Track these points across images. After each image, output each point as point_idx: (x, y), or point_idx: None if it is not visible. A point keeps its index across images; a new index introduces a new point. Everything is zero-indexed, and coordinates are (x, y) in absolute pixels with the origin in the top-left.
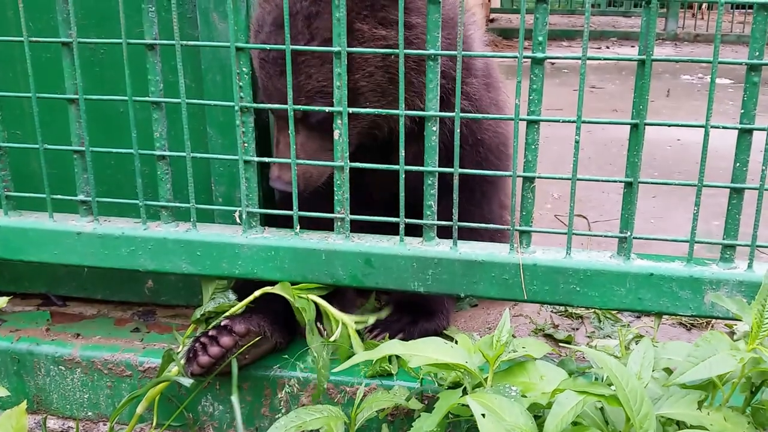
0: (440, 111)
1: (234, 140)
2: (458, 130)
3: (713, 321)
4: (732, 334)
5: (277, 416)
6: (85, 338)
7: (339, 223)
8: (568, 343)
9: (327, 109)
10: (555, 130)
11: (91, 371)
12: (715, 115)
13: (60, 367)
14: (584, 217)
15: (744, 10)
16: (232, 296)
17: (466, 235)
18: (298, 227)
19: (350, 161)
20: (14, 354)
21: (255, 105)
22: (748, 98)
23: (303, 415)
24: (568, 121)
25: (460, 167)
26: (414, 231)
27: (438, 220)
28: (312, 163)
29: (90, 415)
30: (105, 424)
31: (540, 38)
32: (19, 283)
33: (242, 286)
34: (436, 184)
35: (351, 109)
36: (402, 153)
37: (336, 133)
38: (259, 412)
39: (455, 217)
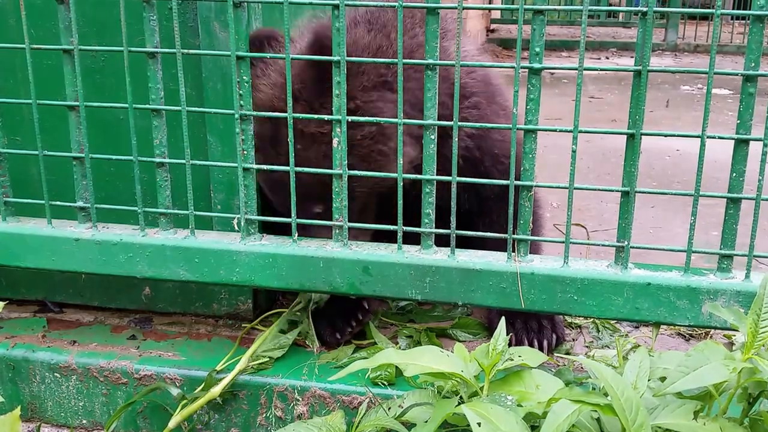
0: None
1: (233, 148)
2: (456, 139)
3: (712, 331)
4: (731, 344)
5: (270, 429)
6: (82, 345)
7: (337, 231)
8: (566, 352)
9: (326, 117)
10: (554, 139)
11: (86, 378)
12: (713, 125)
13: (55, 374)
14: (583, 227)
15: (744, 21)
16: None
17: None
18: (296, 235)
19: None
20: (9, 361)
21: (255, 113)
22: (744, 109)
23: (301, 430)
24: (565, 131)
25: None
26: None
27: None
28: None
29: (85, 423)
30: None
31: (537, 49)
32: (16, 290)
33: None
34: (434, 192)
35: (350, 118)
36: (400, 161)
37: (335, 141)
38: (255, 420)
39: (453, 225)
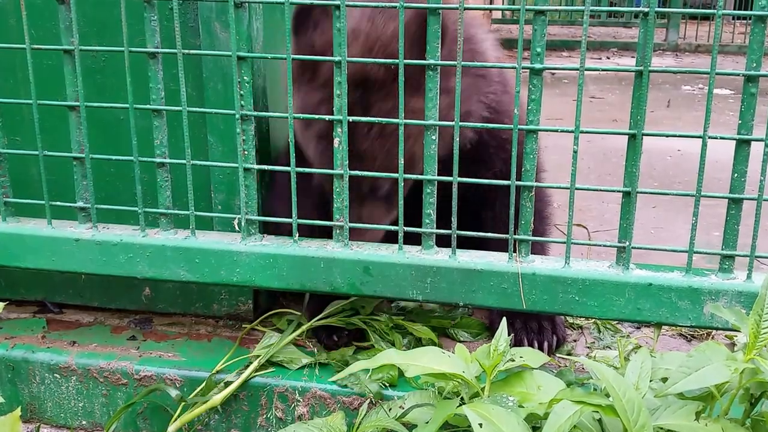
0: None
1: (234, 148)
2: (457, 138)
3: (713, 332)
4: (733, 345)
5: (270, 430)
6: (81, 346)
7: (338, 231)
8: (568, 353)
9: (327, 117)
10: (555, 139)
11: (86, 379)
12: (715, 125)
13: (55, 375)
14: (584, 227)
15: (745, 21)
16: None
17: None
18: (297, 235)
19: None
20: (9, 361)
21: (256, 113)
22: (746, 109)
23: (301, 431)
24: (566, 131)
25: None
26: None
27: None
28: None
29: (84, 424)
30: None
31: (538, 49)
32: (16, 290)
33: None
34: (435, 192)
35: (351, 118)
36: (401, 161)
37: (336, 141)
38: (255, 421)
39: (454, 225)
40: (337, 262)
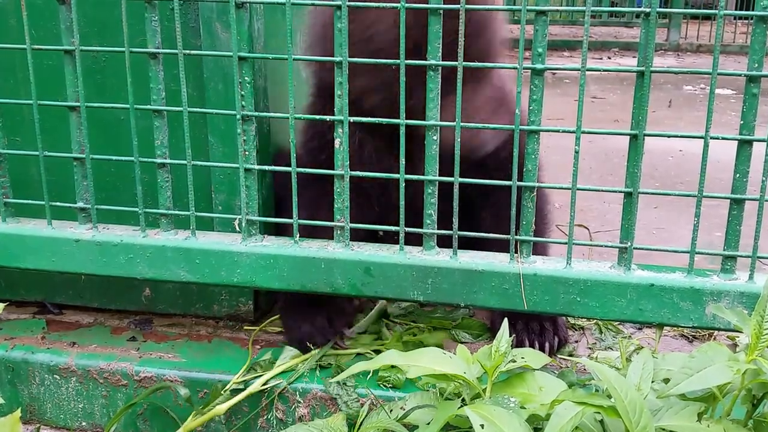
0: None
1: (235, 148)
2: (458, 139)
3: (715, 333)
4: (735, 346)
5: (271, 431)
6: (81, 347)
7: (339, 232)
8: (570, 354)
9: (328, 118)
10: (556, 140)
11: (86, 380)
12: (716, 125)
13: (55, 376)
14: (585, 228)
15: (747, 21)
16: None
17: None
18: (298, 236)
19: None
20: (8, 362)
21: (257, 114)
22: (748, 109)
23: None
24: (568, 131)
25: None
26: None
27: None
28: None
29: (84, 426)
30: None
31: (539, 49)
32: (15, 291)
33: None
34: (437, 192)
35: (352, 118)
36: (402, 161)
37: (337, 142)
38: (256, 423)
39: (455, 226)
40: (338, 262)
